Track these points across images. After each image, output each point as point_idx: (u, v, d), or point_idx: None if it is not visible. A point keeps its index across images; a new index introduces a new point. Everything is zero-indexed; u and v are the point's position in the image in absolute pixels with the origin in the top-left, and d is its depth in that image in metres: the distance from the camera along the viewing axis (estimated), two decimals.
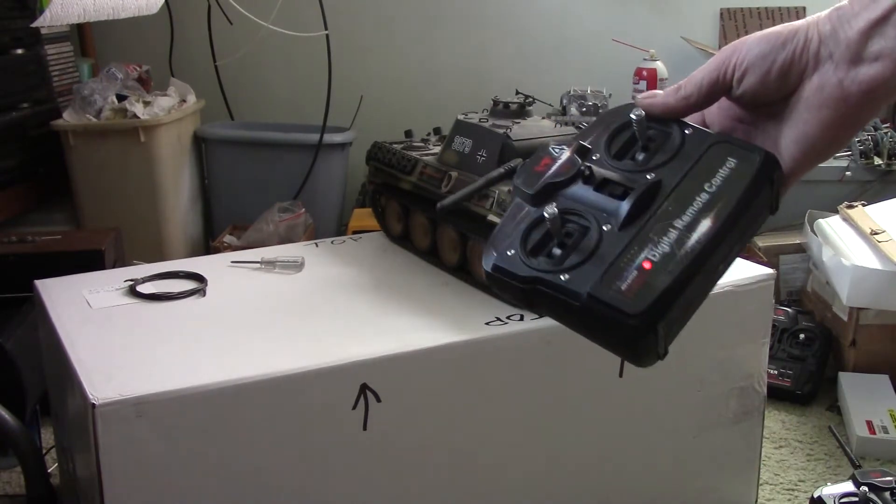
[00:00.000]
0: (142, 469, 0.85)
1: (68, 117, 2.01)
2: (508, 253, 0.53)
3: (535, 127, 1.15)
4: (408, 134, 1.35)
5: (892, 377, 1.57)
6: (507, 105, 1.19)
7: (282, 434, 0.90)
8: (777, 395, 1.57)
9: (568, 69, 2.52)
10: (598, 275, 0.48)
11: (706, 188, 0.51)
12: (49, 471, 1.23)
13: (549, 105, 2.34)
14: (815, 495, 1.11)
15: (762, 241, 1.90)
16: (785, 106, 0.52)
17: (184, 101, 2.21)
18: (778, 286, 1.84)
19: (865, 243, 1.62)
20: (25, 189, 2.00)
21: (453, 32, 2.56)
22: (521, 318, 1.02)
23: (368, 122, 2.38)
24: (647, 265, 0.48)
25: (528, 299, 0.51)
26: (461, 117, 1.19)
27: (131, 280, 1.13)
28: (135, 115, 2.02)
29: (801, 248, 1.86)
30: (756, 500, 1.25)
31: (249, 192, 2.25)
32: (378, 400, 0.93)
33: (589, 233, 0.50)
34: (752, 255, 1.81)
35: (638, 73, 2.34)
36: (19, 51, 2.00)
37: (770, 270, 1.16)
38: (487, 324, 1.00)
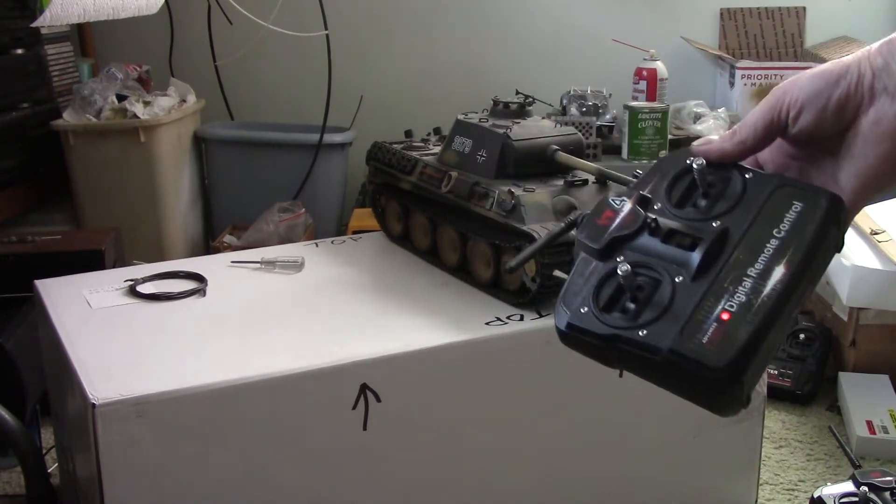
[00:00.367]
0: (142, 469, 0.85)
1: (68, 117, 2.01)
2: (582, 311, 0.53)
3: (535, 127, 1.15)
4: (408, 134, 1.35)
5: (892, 377, 1.57)
6: (507, 105, 1.19)
7: (282, 434, 0.90)
8: (777, 395, 1.57)
9: (568, 69, 2.52)
10: (677, 329, 0.48)
11: (775, 234, 0.51)
12: (49, 471, 1.23)
13: (549, 105, 2.34)
14: (815, 495, 1.11)
15: None
16: (841, 141, 0.53)
17: (184, 101, 2.21)
18: None
19: (865, 243, 1.62)
20: (25, 189, 2.00)
21: (453, 32, 2.56)
22: (521, 319, 1.02)
23: (368, 122, 2.38)
24: (725, 316, 0.48)
25: (607, 356, 0.52)
26: (461, 117, 1.19)
27: (131, 280, 1.13)
28: (135, 115, 2.01)
29: None
30: (756, 500, 1.25)
31: (249, 192, 2.25)
32: (378, 400, 0.93)
33: (661, 286, 0.50)
34: None
35: (638, 73, 2.34)
36: (19, 51, 2.00)
37: None
38: (487, 324, 1.00)
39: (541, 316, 1.02)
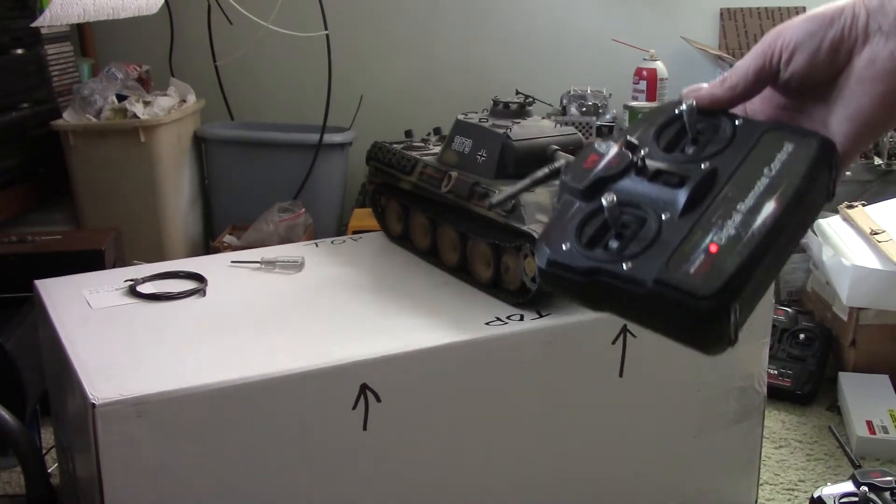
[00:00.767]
0: (142, 469, 0.85)
1: (68, 117, 2.01)
2: (563, 247, 0.51)
3: (535, 127, 1.15)
4: (408, 134, 1.35)
5: (892, 377, 1.57)
6: (507, 105, 1.19)
7: (282, 434, 0.90)
8: (777, 395, 1.57)
9: (568, 69, 2.52)
10: (663, 261, 0.47)
11: (766, 172, 0.50)
12: (49, 471, 1.23)
13: (549, 105, 2.34)
14: (815, 495, 1.11)
15: None
16: (832, 87, 0.51)
17: (184, 101, 2.21)
18: (778, 286, 1.84)
19: (865, 243, 1.62)
20: (25, 189, 2.00)
21: (453, 32, 2.56)
22: (521, 319, 1.02)
23: (368, 122, 2.38)
24: (713, 248, 0.47)
25: (588, 293, 0.50)
26: (461, 117, 1.19)
27: (131, 280, 1.13)
28: (135, 115, 2.02)
29: (801, 248, 1.86)
30: (756, 500, 1.25)
31: (249, 192, 2.25)
32: (378, 400, 0.93)
33: (647, 222, 0.49)
34: None
35: (638, 73, 2.34)
36: (19, 51, 2.00)
37: None
38: (487, 324, 1.00)
39: (541, 316, 1.02)
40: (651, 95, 2.30)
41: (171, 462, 0.86)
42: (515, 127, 1.13)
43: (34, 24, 1.66)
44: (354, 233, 1.64)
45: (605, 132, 2.21)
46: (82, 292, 1.10)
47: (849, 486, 1.08)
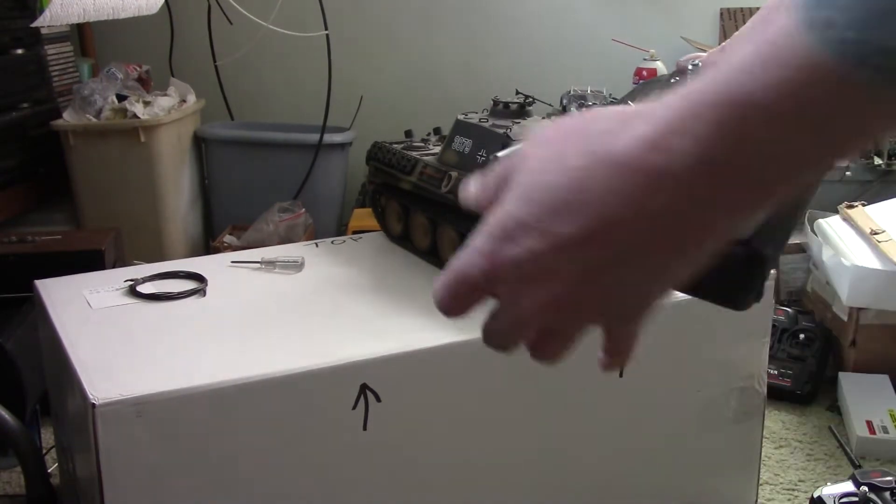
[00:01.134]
0: (142, 469, 0.85)
1: (68, 117, 2.01)
2: None
3: (535, 127, 1.15)
4: (408, 134, 1.35)
5: (892, 377, 1.57)
6: (507, 105, 1.19)
7: (282, 434, 0.90)
8: (777, 395, 1.57)
9: (568, 69, 2.52)
10: None
11: None
12: (49, 471, 1.23)
13: (549, 105, 2.34)
14: (815, 495, 1.11)
15: None
16: None
17: (184, 101, 2.21)
18: (778, 286, 1.84)
19: (865, 243, 1.62)
20: (25, 189, 2.00)
21: (453, 32, 2.56)
22: None
23: (368, 122, 2.38)
24: None
25: None
26: (461, 117, 1.19)
27: (131, 280, 1.13)
28: (135, 115, 2.02)
29: (801, 248, 1.86)
30: (756, 500, 1.25)
31: (249, 192, 2.25)
32: (378, 400, 0.93)
33: None
34: None
35: (638, 73, 2.34)
36: (19, 51, 2.00)
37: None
38: None
39: None
40: None
41: (171, 462, 0.86)
42: (515, 127, 1.13)
43: (34, 24, 1.66)
44: (354, 233, 1.64)
45: None
46: (82, 292, 1.10)
47: (849, 486, 1.08)
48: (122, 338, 0.98)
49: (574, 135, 0.38)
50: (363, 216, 2.10)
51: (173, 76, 2.33)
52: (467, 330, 0.99)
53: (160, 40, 2.40)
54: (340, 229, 2.33)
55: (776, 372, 1.59)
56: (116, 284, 1.12)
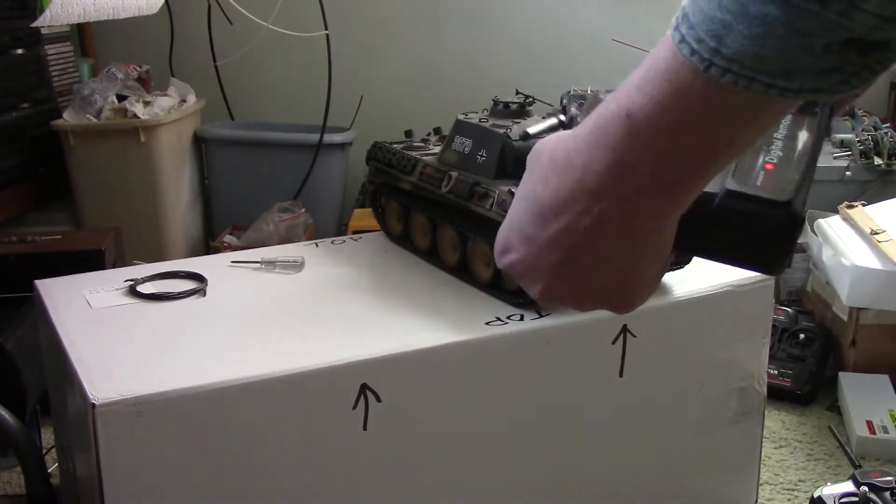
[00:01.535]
0: (142, 469, 0.85)
1: (68, 117, 2.02)
2: None
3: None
4: (408, 134, 1.35)
5: (892, 377, 1.57)
6: (507, 105, 1.19)
7: (282, 434, 0.90)
8: (777, 395, 1.57)
9: (568, 69, 2.52)
10: (724, 178, 0.47)
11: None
12: (49, 471, 1.23)
13: (549, 105, 2.34)
14: (815, 495, 1.11)
15: None
16: None
17: (184, 101, 2.21)
18: (778, 286, 1.84)
19: (865, 243, 1.62)
20: (25, 189, 2.00)
21: (453, 32, 2.56)
22: (521, 319, 1.02)
23: (368, 122, 2.38)
24: (769, 166, 0.48)
25: None
26: (461, 117, 1.19)
27: (131, 280, 1.13)
28: (135, 115, 2.02)
29: (801, 248, 1.86)
30: (756, 500, 1.25)
31: (249, 192, 2.25)
32: (378, 400, 0.93)
33: None
34: None
35: None
36: (19, 51, 2.00)
37: None
38: (487, 324, 1.00)
39: (541, 316, 1.02)
40: None
41: (171, 462, 0.86)
42: (515, 127, 1.13)
43: (34, 24, 1.66)
44: (354, 233, 1.64)
45: None
46: (82, 292, 1.10)
47: (849, 486, 1.09)
48: (122, 338, 0.98)
49: (538, 170, 0.47)
50: (363, 216, 2.10)
51: (173, 76, 2.33)
52: (467, 330, 0.99)
53: (160, 40, 2.40)
54: (340, 229, 2.33)
55: (776, 372, 1.59)
56: (116, 284, 1.12)
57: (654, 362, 1.08)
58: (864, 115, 2.15)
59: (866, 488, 1.06)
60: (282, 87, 2.56)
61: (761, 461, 1.25)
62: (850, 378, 1.58)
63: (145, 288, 1.11)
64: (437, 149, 1.24)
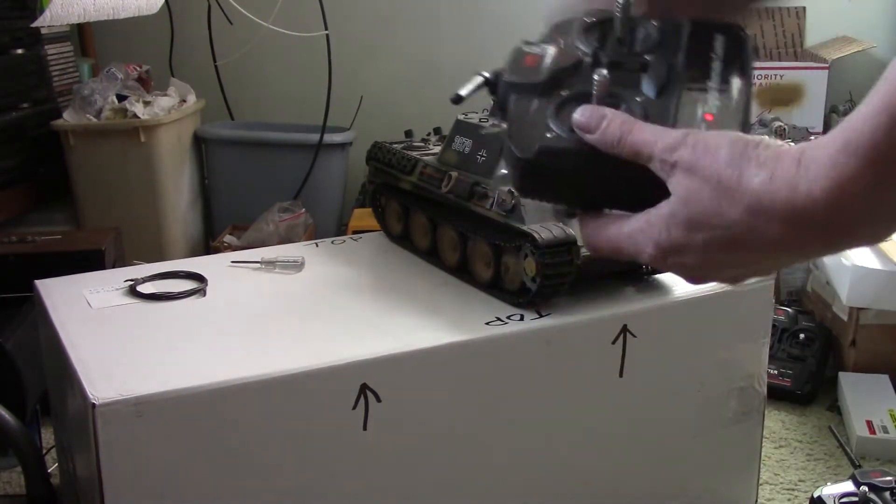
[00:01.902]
0: (142, 469, 0.85)
1: (68, 117, 2.01)
2: (548, 136, 0.50)
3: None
4: (408, 134, 1.35)
5: (892, 377, 1.57)
6: None
7: (282, 434, 0.90)
8: (777, 395, 1.57)
9: None
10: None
11: (714, 57, 0.52)
12: (49, 471, 1.23)
13: None
14: (815, 495, 1.11)
15: None
16: None
17: (184, 101, 2.21)
18: (778, 286, 1.84)
19: None
20: (25, 189, 2.00)
21: (453, 32, 2.56)
22: (521, 318, 1.02)
23: (368, 122, 2.38)
24: (708, 117, 0.49)
25: (584, 181, 0.50)
26: (461, 117, 1.19)
27: (131, 280, 1.13)
28: (135, 115, 2.02)
29: None
30: (756, 500, 1.25)
31: (249, 192, 2.25)
32: (378, 400, 0.93)
33: (628, 105, 0.50)
34: None
35: None
36: (19, 51, 2.00)
37: None
38: (487, 324, 1.00)
39: (541, 316, 1.02)
40: None
41: (171, 462, 0.86)
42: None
43: (34, 24, 1.66)
44: (354, 233, 1.64)
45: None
46: (82, 292, 1.10)
47: (849, 486, 1.09)
48: (122, 338, 0.98)
49: (728, 189, 0.45)
50: (363, 216, 2.10)
51: (173, 76, 2.33)
52: (467, 330, 0.99)
53: (160, 40, 2.40)
54: (340, 229, 2.33)
55: (776, 372, 1.59)
56: (116, 284, 1.12)
57: (654, 362, 1.08)
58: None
59: (866, 488, 1.06)
60: (282, 87, 2.56)
61: (761, 461, 1.25)
62: (850, 378, 1.58)
63: (145, 288, 1.11)
64: (437, 149, 1.24)
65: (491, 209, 1.07)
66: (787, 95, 2.34)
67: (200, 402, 0.86)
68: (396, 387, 0.94)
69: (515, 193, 1.04)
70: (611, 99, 0.50)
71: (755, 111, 2.31)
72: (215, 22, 2.36)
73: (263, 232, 2.05)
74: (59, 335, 0.98)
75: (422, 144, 1.30)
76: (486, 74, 0.62)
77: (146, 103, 2.07)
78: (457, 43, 2.56)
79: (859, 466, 1.38)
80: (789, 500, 1.31)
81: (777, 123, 1.89)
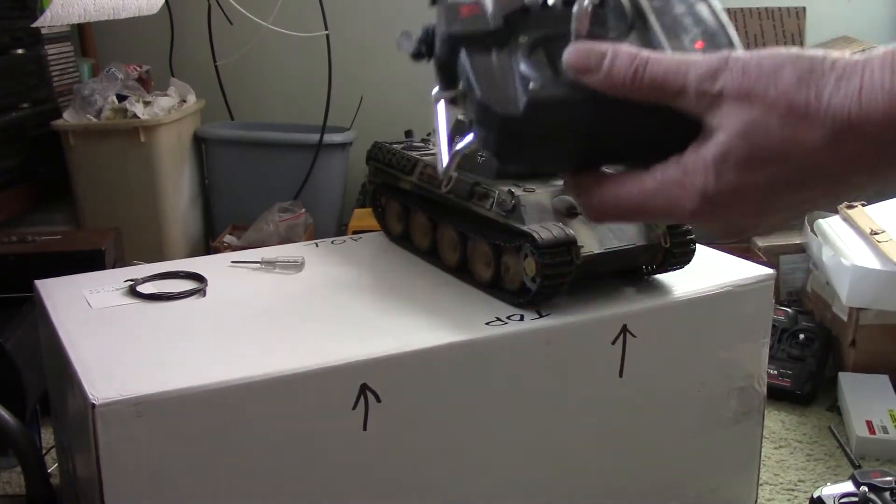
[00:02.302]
0: (142, 469, 0.85)
1: (68, 117, 2.02)
2: (533, 85, 0.42)
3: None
4: (408, 134, 1.35)
5: (892, 377, 1.57)
6: None
7: (282, 434, 0.90)
8: (777, 395, 1.57)
9: None
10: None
11: None
12: (49, 471, 1.23)
13: None
14: (815, 495, 1.11)
15: (762, 241, 1.90)
16: None
17: (184, 101, 2.21)
18: (778, 286, 1.84)
19: (865, 243, 1.62)
20: (25, 189, 2.00)
21: None
22: (521, 319, 1.02)
23: (368, 122, 2.38)
24: (699, 45, 0.43)
25: (579, 134, 0.42)
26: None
27: (131, 280, 1.13)
28: (135, 115, 2.02)
29: (801, 248, 1.86)
30: (756, 500, 1.25)
31: (249, 192, 2.25)
32: (378, 400, 0.93)
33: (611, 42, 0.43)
34: (751, 255, 1.81)
35: None
36: (19, 51, 2.00)
37: (770, 270, 1.16)
38: (487, 324, 1.00)
39: (541, 316, 1.02)
40: None
41: (171, 462, 0.86)
42: None
43: (34, 24, 1.66)
44: (354, 233, 1.64)
45: None
46: (82, 292, 1.10)
47: (849, 486, 1.08)
48: (122, 338, 0.98)
49: (805, 112, 0.39)
50: (363, 216, 2.10)
51: (173, 76, 2.33)
52: (467, 330, 0.99)
53: (160, 40, 2.40)
54: (340, 229, 2.33)
55: (776, 372, 1.59)
56: (116, 284, 1.12)
57: (654, 362, 1.08)
58: None
59: (866, 488, 1.06)
60: (282, 87, 2.56)
61: (761, 461, 1.25)
62: (850, 378, 1.58)
63: (145, 288, 1.11)
64: None
65: (491, 209, 1.07)
66: None
67: (200, 403, 0.86)
68: (396, 387, 0.94)
69: (515, 193, 1.04)
70: (592, 38, 0.43)
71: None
72: (215, 22, 2.36)
73: (263, 232, 2.05)
74: (59, 335, 0.98)
75: (422, 144, 1.30)
76: (410, 31, 0.52)
77: (146, 103, 2.07)
78: None
79: (859, 466, 1.38)
80: (789, 500, 1.31)
81: None
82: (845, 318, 1.62)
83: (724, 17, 0.45)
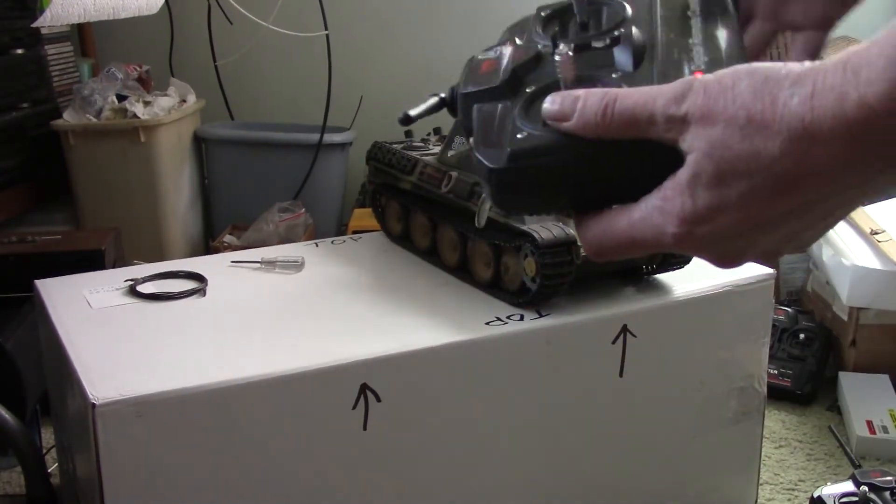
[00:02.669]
0: (142, 469, 0.85)
1: (68, 117, 2.02)
2: (519, 137, 0.43)
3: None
4: (408, 134, 1.35)
5: (892, 377, 1.57)
6: None
7: (282, 434, 0.90)
8: (777, 395, 1.57)
9: None
10: None
11: (690, 15, 0.47)
12: (49, 471, 1.23)
13: None
14: (815, 495, 1.11)
15: None
16: None
17: (184, 101, 2.21)
18: (778, 286, 1.84)
19: (865, 243, 1.62)
20: (25, 189, 2.00)
21: (453, 32, 2.56)
22: (521, 319, 1.02)
23: (368, 122, 2.38)
24: (699, 74, 0.42)
25: (567, 179, 0.43)
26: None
27: (131, 280, 1.13)
28: (135, 115, 2.02)
29: None
30: (756, 500, 1.25)
31: (249, 192, 2.25)
32: (378, 400, 0.93)
33: (605, 83, 0.44)
34: None
35: None
36: (19, 51, 2.00)
37: (770, 270, 1.16)
38: (487, 324, 1.00)
39: (541, 316, 1.02)
40: None
41: (171, 462, 0.86)
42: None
43: (34, 25, 1.66)
44: (354, 233, 1.64)
45: None
46: (82, 292, 1.10)
47: (849, 486, 1.09)
48: (122, 338, 0.98)
49: (762, 121, 0.38)
50: (363, 216, 2.10)
51: (173, 76, 2.33)
52: (467, 330, 0.99)
53: (160, 40, 2.40)
54: (340, 229, 2.33)
55: (776, 372, 1.59)
56: (116, 284, 1.12)
57: (654, 362, 1.08)
58: None
59: (866, 488, 1.06)
60: (282, 87, 2.56)
61: (761, 461, 1.25)
62: (850, 378, 1.58)
63: (145, 288, 1.11)
64: (437, 149, 1.24)
65: (491, 209, 1.07)
66: None
67: (200, 402, 0.86)
68: (396, 387, 0.94)
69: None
70: (582, 83, 0.44)
71: None
72: (215, 22, 2.36)
73: (263, 232, 2.05)
74: (59, 335, 0.98)
75: (422, 144, 1.30)
76: (442, 95, 0.56)
77: (146, 103, 2.07)
78: (457, 43, 2.56)
79: (859, 466, 1.38)
80: (789, 500, 1.31)
81: None
82: (845, 318, 1.62)
83: (739, 45, 0.45)
